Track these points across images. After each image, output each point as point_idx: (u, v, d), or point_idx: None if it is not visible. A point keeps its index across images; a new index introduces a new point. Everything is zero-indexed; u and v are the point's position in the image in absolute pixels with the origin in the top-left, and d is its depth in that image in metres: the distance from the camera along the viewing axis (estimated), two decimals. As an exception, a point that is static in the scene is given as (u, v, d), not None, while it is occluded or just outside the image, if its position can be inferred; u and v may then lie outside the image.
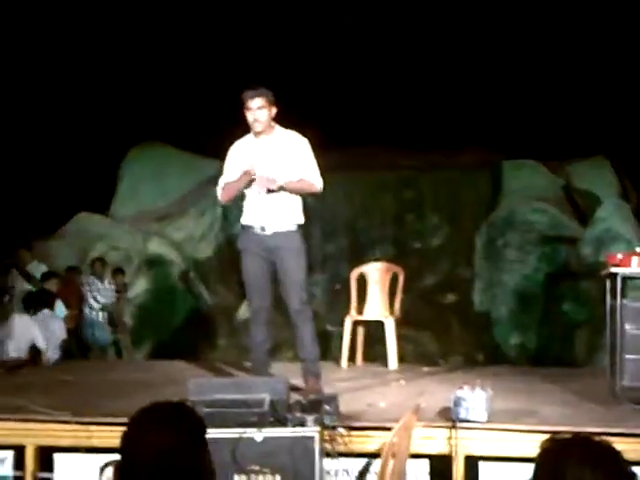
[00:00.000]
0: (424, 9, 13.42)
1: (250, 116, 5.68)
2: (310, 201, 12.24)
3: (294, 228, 5.81)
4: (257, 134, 5.76)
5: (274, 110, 5.73)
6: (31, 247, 10.70)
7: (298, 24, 13.36)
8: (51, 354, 8.69)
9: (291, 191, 5.73)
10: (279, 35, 13.22)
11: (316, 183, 5.79)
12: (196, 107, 12.69)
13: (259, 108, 5.65)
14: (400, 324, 7.91)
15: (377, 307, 7.88)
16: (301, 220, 5.88)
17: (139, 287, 11.53)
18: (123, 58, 13.29)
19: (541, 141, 12.33)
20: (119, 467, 2.05)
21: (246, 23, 13.38)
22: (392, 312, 7.79)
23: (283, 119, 5.90)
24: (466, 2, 13.34)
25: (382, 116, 12.87)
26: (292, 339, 6.16)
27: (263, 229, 5.77)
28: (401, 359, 7.72)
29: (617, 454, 2.01)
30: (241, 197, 5.92)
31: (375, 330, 7.81)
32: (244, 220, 5.90)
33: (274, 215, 5.75)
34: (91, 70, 13.29)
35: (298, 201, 5.85)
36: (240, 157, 5.88)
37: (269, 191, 5.68)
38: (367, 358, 7.97)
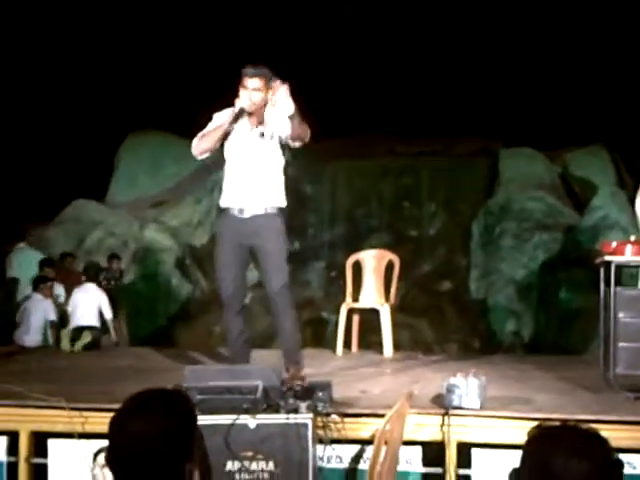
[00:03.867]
0: (425, 1, 13.40)
1: (245, 94, 5.39)
2: (308, 189, 12.39)
3: (274, 211, 5.53)
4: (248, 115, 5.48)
5: (270, 93, 5.42)
6: (26, 234, 10.74)
7: (298, 13, 13.34)
8: (33, 338, 8.81)
9: (295, 125, 5.33)
10: (279, 23, 13.20)
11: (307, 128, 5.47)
12: (193, 94, 12.66)
13: (254, 90, 5.39)
14: (396, 311, 7.92)
15: (372, 294, 7.88)
16: (282, 203, 5.61)
17: (135, 273, 11.53)
18: (120, 45, 13.27)
19: (538, 129, 12.34)
20: (108, 453, 2.06)
21: (245, 11, 13.35)
22: (387, 299, 7.79)
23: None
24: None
25: (380, 104, 12.87)
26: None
27: (241, 212, 5.52)
28: (396, 346, 7.72)
29: (604, 442, 2.01)
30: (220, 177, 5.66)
31: (371, 317, 7.81)
32: (222, 202, 5.65)
33: (253, 197, 5.50)
34: (88, 58, 13.27)
35: (280, 182, 5.59)
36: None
37: (262, 135, 5.44)
38: (362, 345, 7.98)
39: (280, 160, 5.61)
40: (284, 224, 5.60)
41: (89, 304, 8.67)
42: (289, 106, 5.30)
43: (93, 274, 9.37)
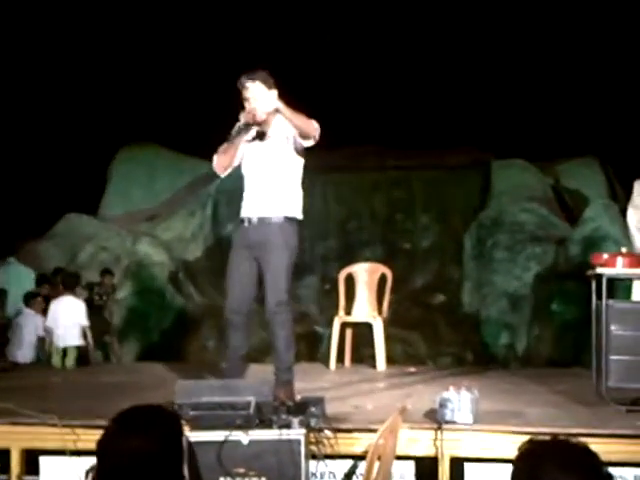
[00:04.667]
0: (415, 12, 13.44)
1: (247, 104, 5.34)
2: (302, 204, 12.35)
3: (280, 220, 5.37)
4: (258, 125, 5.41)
5: (275, 93, 5.33)
6: (17, 248, 10.73)
7: (291, 25, 13.37)
8: (26, 353, 8.77)
9: (290, 117, 5.26)
10: (271, 37, 13.23)
11: (314, 123, 5.35)
12: (186, 107, 12.69)
13: (252, 98, 5.32)
14: (388, 325, 7.92)
15: (365, 308, 7.88)
16: (293, 213, 5.44)
17: (128, 288, 11.50)
18: (113, 59, 13.29)
19: (530, 141, 12.37)
20: (95, 472, 2.06)
21: (238, 23, 13.39)
22: (380, 313, 7.80)
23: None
24: (456, 6, 13.36)
25: (373, 117, 12.89)
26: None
27: (250, 221, 5.43)
28: (390, 360, 7.72)
29: (594, 456, 2.02)
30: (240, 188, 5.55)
31: (364, 331, 7.81)
32: (241, 213, 5.54)
33: (262, 207, 5.39)
34: (81, 71, 13.27)
35: (292, 192, 5.45)
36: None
37: (258, 124, 5.36)
38: (355, 359, 7.98)
39: (294, 169, 5.49)
40: (293, 235, 5.43)
41: (69, 320, 8.49)
42: (270, 101, 5.25)
43: (71, 283, 9.03)
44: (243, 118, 5.41)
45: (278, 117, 5.42)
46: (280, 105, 5.24)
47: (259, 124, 5.41)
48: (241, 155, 5.55)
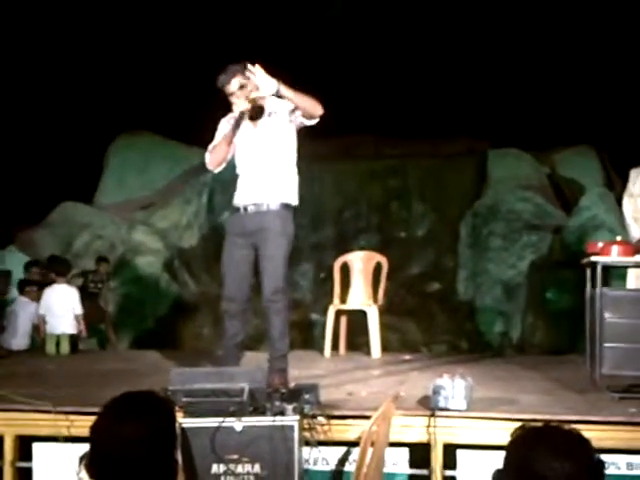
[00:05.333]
0: (411, 2, 13.41)
1: (235, 99, 5.32)
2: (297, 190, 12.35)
3: (277, 208, 5.34)
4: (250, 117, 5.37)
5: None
6: (14, 237, 10.73)
7: (283, 14, 13.33)
8: (20, 341, 8.78)
9: (292, 98, 5.24)
10: (267, 25, 13.19)
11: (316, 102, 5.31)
12: (182, 96, 12.64)
13: (240, 88, 5.31)
14: (383, 313, 7.92)
15: (360, 296, 7.89)
16: (288, 200, 5.41)
17: (123, 276, 11.50)
18: (109, 47, 13.23)
19: (526, 130, 12.35)
20: (88, 458, 2.05)
21: (235, 11, 13.34)
22: (375, 301, 7.81)
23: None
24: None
25: (368, 105, 12.86)
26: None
27: (245, 209, 5.40)
28: (384, 348, 7.73)
29: (586, 443, 2.02)
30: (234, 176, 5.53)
31: (358, 319, 7.82)
32: (234, 201, 5.53)
33: (258, 193, 5.37)
34: (76, 59, 13.22)
35: (287, 179, 5.42)
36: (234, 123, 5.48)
37: (257, 114, 5.31)
38: (350, 347, 8.00)
39: (289, 155, 5.46)
40: (289, 222, 5.40)
41: (63, 308, 8.52)
42: (271, 84, 5.20)
43: (63, 270, 9.00)
44: (236, 110, 5.38)
45: (271, 100, 5.40)
46: (281, 87, 5.20)
47: (256, 112, 5.37)
48: (233, 148, 5.52)
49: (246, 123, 5.45)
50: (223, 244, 5.58)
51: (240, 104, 5.34)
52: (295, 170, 5.52)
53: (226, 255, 5.50)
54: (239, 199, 5.49)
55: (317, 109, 5.33)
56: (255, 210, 5.37)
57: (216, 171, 5.63)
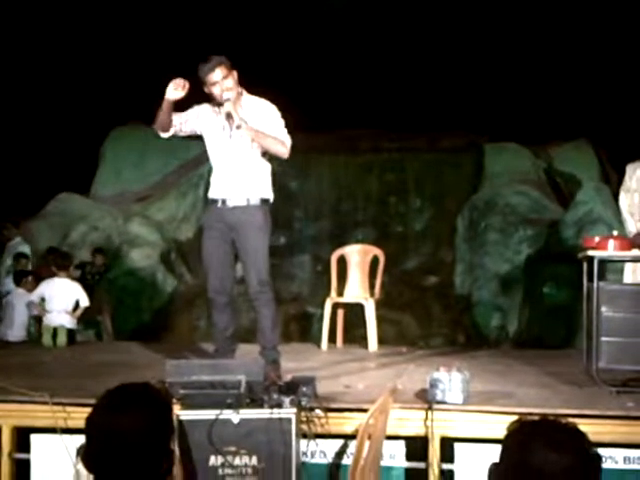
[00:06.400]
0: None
1: (217, 89, 5.32)
2: (293, 184, 12.38)
3: (257, 202, 5.42)
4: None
5: (236, 74, 5.38)
6: (19, 226, 10.77)
7: (284, 7, 13.30)
8: (16, 332, 8.76)
9: (256, 137, 5.31)
10: (265, 19, 13.16)
11: (285, 142, 5.38)
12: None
13: (224, 78, 5.31)
14: (380, 306, 7.93)
15: (357, 289, 7.90)
16: (266, 195, 5.49)
17: (120, 268, 11.50)
18: (105, 39, 13.20)
19: (523, 124, 12.36)
20: (84, 450, 2.06)
21: (230, 7, 13.31)
22: (372, 294, 7.81)
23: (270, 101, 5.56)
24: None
25: (367, 99, 12.86)
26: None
27: (224, 202, 5.45)
28: (381, 341, 7.74)
29: (583, 436, 2.02)
30: (208, 171, 5.55)
31: (356, 312, 7.83)
32: (209, 194, 5.60)
33: (235, 188, 5.42)
34: (73, 51, 13.19)
35: (263, 174, 5.49)
36: (205, 114, 5.52)
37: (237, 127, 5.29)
38: (347, 340, 8.00)
39: (263, 152, 5.50)
40: (268, 216, 5.49)
41: (62, 302, 8.45)
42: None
43: (64, 265, 8.87)
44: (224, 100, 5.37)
45: (245, 98, 5.45)
46: (244, 126, 5.26)
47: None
48: (194, 126, 5.55)
49: (220, 120, 5.45)
50: (202, 237, 5.64)
51: (224, 94, 5.33)
52: (270, 166, 5.56)
53: (207, 248, 5.55)
54: (216, 192, 5.53)
55: (281, 151, 5.40)
56: (234, 204, 5.43)
57: (164, 135, 5.61)
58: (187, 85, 5.30)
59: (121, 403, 2.06)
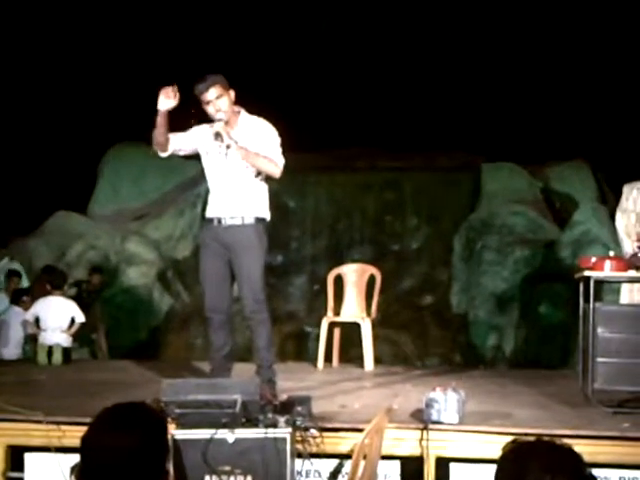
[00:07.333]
0: (408, 15, 13.45)
1: (211, 108, 5.34)
2: (290, 202, 12.40)
3: (252, 222, 5.43)
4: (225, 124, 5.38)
5: (232, 94, 5.40)
6: (7, 245, 10.73)
7: (278, 26, 13.37)
8: (12, 351, 8.73)
9: (246, 157, 5.32)
10: (261, 37, 13.22)
11: (278, 162, 5.39)
12: (176, 107, 12.63)
13: (218, 97, 5.32)
14: (377, 325, 7.93)
15: (354, 308, 7.89)
16: (262, 214, 5.50)
17: (117, 286, 11.48)
18: (103, 57, 13.25)
19: (520, 144, 12.39)
20: (79, 469, 2.05)
21: (229, 24, 13.37)
22: (369, 313, 7.81)
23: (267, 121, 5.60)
24: (449, 9, 13.39)
25: (364, 118, 12.90)
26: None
27: (220, 221, 5.46)
28: (377, 360, 7.73)
29: (577, 457, 2.02)
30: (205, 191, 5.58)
31: (352, 331, 7.82)
32: (206, 213, 5.63)
33: (231, 207, 5.44)
34: (71, 69, 13.23)
35: (259, 193, 5.50)
36: (203, 134, 5.51)
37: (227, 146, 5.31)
38: (343, 359, 7.98)
39: (258, 172, 5.51)
40: (264, 235, 5.51)
41: (57, 321, 8.37)
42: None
43: (60, 283, 8.81)
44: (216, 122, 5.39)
45: (243, 117, 5.48)
46: (233, 146, 5.28)
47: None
48: (192, 146, 5.57)
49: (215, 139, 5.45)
50: (199, 256, 5.65)
51: (217, 115, 5.35)
52: (266, 185, 5.58)
53: (204, 267, 5.56)
54: (212, 211, 5.55)
55: (273, 169, 5.42)
56: (230, 223, 5.45)
57: (162, 155, 5.62)
58: (177, 92, 5.32)
59: (117, 422, 2.06)
